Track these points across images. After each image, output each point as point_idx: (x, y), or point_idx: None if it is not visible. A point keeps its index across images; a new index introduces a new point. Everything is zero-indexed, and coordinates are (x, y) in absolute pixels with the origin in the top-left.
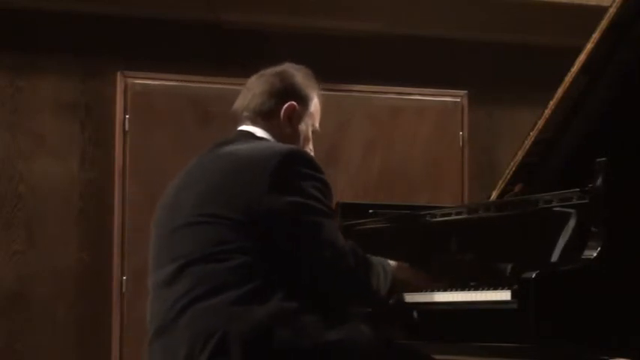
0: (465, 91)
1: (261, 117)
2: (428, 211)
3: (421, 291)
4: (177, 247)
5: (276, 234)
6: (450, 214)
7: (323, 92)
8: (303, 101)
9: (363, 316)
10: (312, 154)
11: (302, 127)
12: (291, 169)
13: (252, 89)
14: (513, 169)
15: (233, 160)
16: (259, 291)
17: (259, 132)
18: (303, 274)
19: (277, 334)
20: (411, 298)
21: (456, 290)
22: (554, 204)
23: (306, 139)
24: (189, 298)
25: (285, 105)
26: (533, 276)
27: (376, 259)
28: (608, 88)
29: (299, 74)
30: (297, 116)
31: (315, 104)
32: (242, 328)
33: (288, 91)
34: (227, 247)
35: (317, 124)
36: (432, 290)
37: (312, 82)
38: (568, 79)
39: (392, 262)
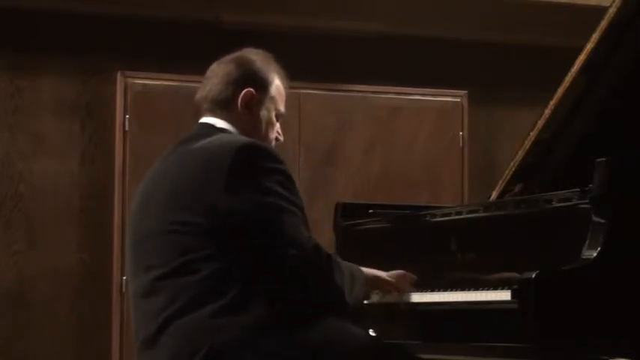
0: (465, 91)
1: (220, 107)
2: (428, 211)
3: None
4: (148, 257)
5: (238, 236)
6: (450, 214)
7: (323, 92)
8: (262, 86)
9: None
10: (281, 138)
11: (263, 113)
12: (247, 165)
13: (210, 78)
14: (513, 169)
15: (191, 160)
16: (238, 301)
17: (220, 123)
18: (270, 274)
19: (263, 344)
20: (410, 298)
21: (456, 290)
22: (554, 204)
23: (270, 124)
24: (169, 313)
25: (242, 92)
26: (533, 276)
27: (345, 263)
28: (608, 88)
29: (257, 58)
30: (256, 103)
31: (276, 87)
32: (226, 340)
33: (244, 78)
34: (196, 255)
35: (281, 108)
36: (432, 290)
37: (272, 66)
38: (568, 79)
39: (365, 270)
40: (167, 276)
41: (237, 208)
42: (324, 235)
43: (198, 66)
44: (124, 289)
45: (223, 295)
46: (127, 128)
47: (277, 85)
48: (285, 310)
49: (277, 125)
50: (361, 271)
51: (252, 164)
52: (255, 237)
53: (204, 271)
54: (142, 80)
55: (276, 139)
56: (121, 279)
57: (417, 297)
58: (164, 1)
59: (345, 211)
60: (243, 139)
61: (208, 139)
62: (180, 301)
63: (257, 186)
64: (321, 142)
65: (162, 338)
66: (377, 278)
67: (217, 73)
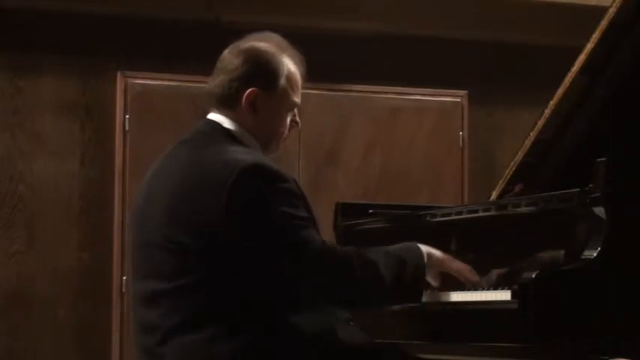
0: (465, 91)
1: (225, 105)
2: (428, 211)
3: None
4: (146, 265)
5: (234, 260)
6: (450, 214)
7: (323, 92)
8: (269, 83)
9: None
10: (298, 125)
11: (270, 110)
12: (249, 190)
13: (219, 71)
14: (513, 169)
15: (194, 173)
16: (235, 326)
17: (226, 122)
18: (295, 295)
19: None
20: None
21: (456, 290)
22: (554, 204)
23: (279, 121)
24: (166, 329)
25: (247, 92)
26: (533, 276)
27: (392, 247)
28: (608, 88)
29: (268, 48)
30: (261, 102)
31: (288, 78)
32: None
33: (250, 75)
34: (192, 278)
35: (295, 99)
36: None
37: (286, 54)
38: (568, 79)
39: (427, 250)
40: (164, 293)
41: (238, 232)
42: (324, 235)
43: (198, 66)
44: (124, 289)
45: (219, 321)
46: (127, 128)
47: (290, 74)
48: (280, 334)
49: (293, 112)
50: (416, 249)
51: (255, 188)
52: (271, 262)
53: (200, 295)
54: (142, 80)
55: (292, 126)
56: (121, 279)
57: None
58: (164, 1)
59: (345, 211)
60: (247, 160)
61: (213, 150)
62: (176, 318)
63: (261, 210)
64: (321, 142)
65: (162, 353)
66: (447, 260)
67: (225, 66)
